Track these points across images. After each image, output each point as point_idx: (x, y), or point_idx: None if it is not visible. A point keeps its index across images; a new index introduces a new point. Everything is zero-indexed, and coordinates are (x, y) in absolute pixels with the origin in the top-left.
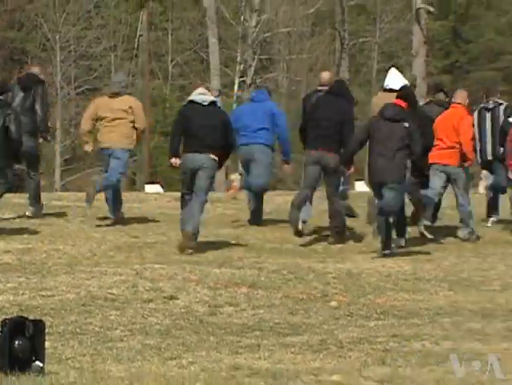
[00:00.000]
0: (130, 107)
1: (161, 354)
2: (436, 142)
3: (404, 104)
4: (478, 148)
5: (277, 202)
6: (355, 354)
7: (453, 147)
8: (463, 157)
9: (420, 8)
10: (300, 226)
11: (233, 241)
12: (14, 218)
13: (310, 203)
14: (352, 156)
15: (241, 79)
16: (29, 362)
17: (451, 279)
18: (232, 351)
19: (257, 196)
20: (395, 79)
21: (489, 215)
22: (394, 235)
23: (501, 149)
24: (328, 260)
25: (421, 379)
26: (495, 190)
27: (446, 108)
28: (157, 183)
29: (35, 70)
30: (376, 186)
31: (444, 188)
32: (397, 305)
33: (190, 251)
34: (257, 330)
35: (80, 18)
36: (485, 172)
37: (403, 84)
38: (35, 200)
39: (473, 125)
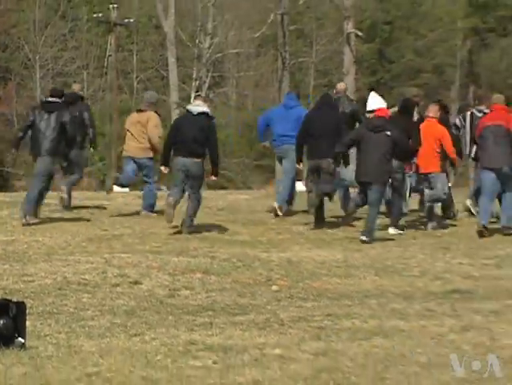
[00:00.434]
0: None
1: (127, 332)
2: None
3: (385, 114)
4: (468, 146)
5: (228, 200)
6: (295, 331)
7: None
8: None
9: (350, 32)
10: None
11: (189, 234)
12: None
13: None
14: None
15: (197, 94)
16: (12, 339)
17: (377, 266)
18: (188, 329)
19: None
20: (376, 102)
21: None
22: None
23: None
24: (272, 250)
25: (351, 352)
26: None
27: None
28: None
29: (77, 88)
30: (361, 184)
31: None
32: (330, 288)
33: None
34: (210, 310)
35: (57, 40)
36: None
37: (403, 98)
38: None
39: (463, 126)
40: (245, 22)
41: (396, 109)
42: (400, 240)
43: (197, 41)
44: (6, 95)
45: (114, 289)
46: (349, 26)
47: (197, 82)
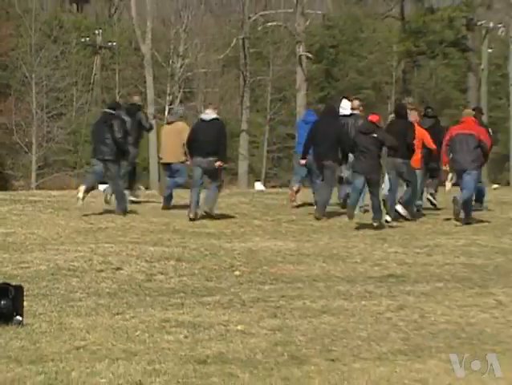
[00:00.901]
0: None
1: (110, 311)
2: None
3: (375, 120)
4: None
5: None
6: (254, 310)
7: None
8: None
9: (301, 55)
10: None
11: (164, 227)
12: None
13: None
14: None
15: (170, 107)
16: (11, 317)
17: (325, 254)
18: (163, 308)
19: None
20: (346, 107)
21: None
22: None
23: None
24: (234, 240)
25: (302, 328)
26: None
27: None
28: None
29: (136, 98)
30: (357, 176)
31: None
32: (285, 273)
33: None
34: (181, 292)
35: (50, 61)
36: None
37: (396, 105)
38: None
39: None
40: (211, 46)
41: (393, 115)
42: (344, 231)
43: (170, 61)
44: (6, 108)
45: (99, 274)
46: (301, 49)
47: (171, 96)
